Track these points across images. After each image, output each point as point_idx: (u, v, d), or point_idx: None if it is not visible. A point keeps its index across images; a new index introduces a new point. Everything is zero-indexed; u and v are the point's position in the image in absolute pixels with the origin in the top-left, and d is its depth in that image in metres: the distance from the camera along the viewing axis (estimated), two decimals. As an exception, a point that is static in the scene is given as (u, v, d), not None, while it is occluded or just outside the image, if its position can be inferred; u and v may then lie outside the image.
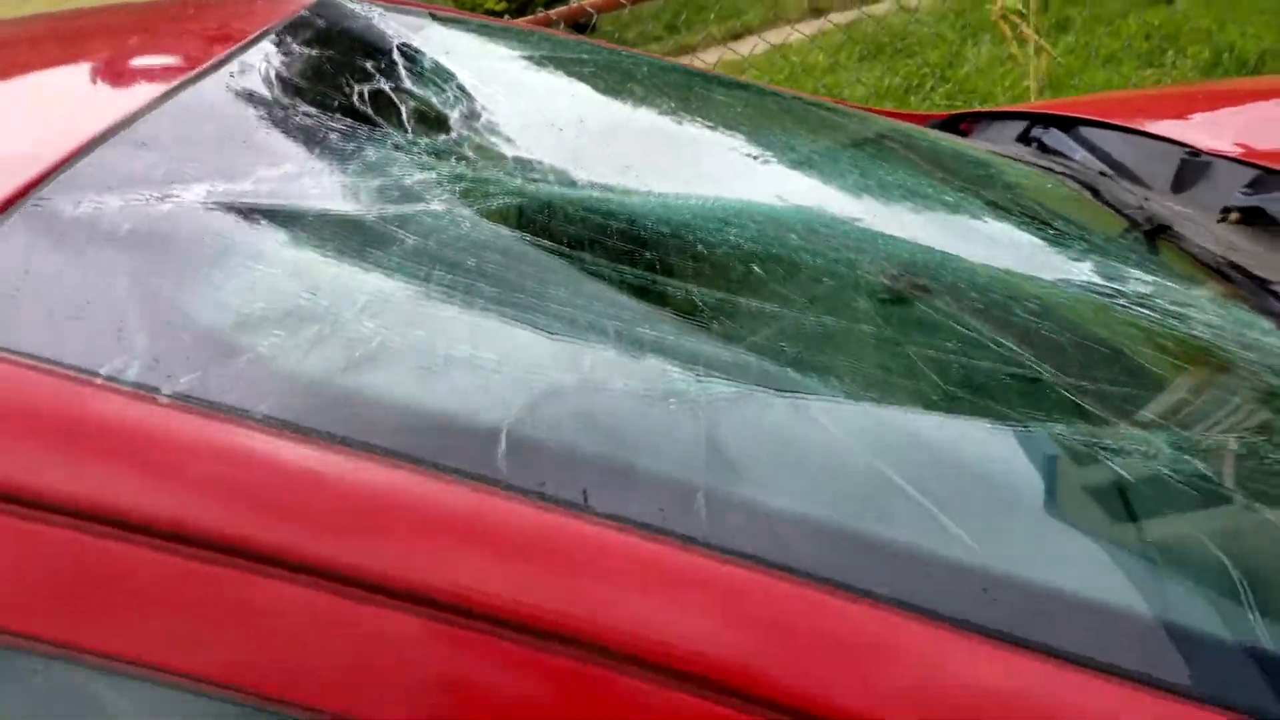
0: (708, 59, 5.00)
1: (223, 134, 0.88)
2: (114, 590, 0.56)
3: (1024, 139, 1.82)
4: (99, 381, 0.60)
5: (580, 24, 5.54)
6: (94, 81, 1.02)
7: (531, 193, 0.97)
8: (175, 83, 0.92)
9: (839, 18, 5.36)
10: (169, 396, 0.60)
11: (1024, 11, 3.19)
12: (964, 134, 1.95)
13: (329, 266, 0.75)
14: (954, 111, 2.00)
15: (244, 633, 0.56)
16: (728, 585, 0.58)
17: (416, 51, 1.28)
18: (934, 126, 1.97)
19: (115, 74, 1.02)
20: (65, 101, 0.94)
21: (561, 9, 3.75)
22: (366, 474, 0.59)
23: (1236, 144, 1.55)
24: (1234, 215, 1.44)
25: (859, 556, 0.61)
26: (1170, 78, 4.07)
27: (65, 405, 0.59)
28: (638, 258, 0.89)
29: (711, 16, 6.07)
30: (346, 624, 0.56)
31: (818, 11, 5.72)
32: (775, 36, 4.96)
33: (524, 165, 1.03)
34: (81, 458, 0.58)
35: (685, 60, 4.54)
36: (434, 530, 0.58)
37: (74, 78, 1.05)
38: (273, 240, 0.76)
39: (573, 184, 1.03)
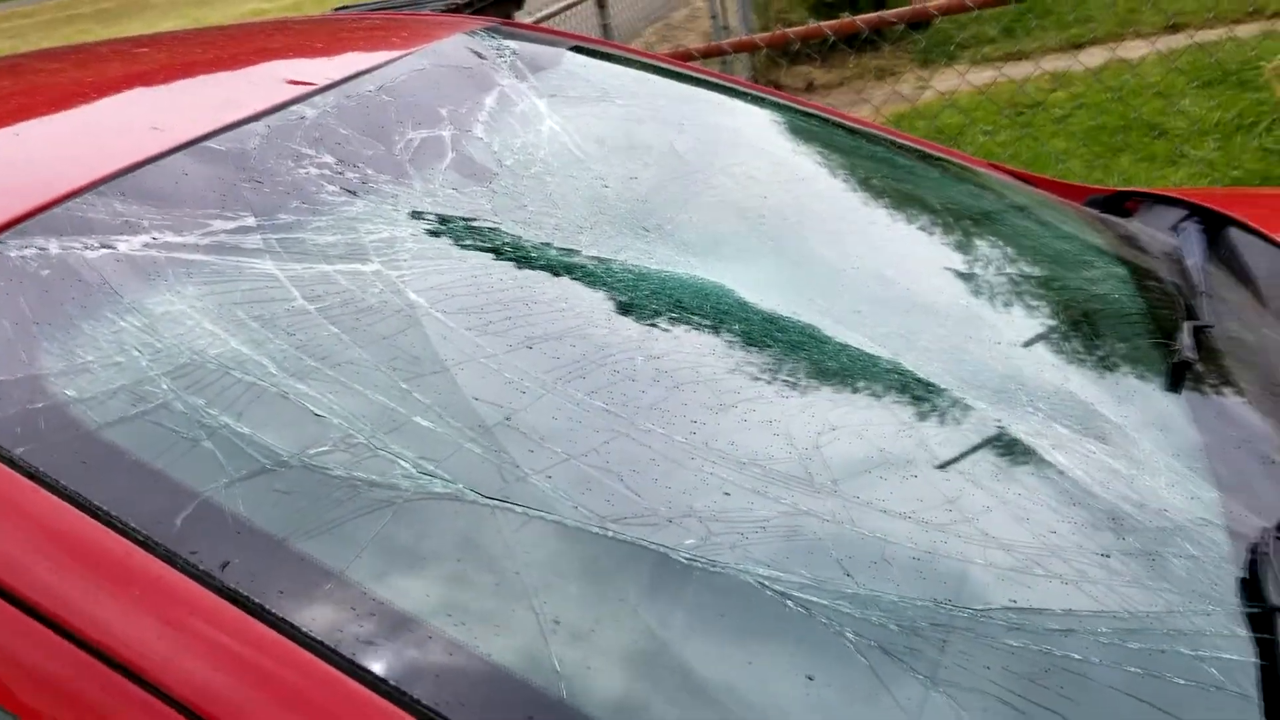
0: (1016, 72, 4.75)
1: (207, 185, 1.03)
2: None
3: (1176, 228, 1.69)
4: None
5: (914, 24, 5.37)
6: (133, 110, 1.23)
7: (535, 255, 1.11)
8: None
9: (1192, 38, 4.88)
10: None
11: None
12: (1129, 212, 1.83)
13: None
14: (1121, 189, 1.87)
15: None
16: None
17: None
18: (1094, 202, 1.86)
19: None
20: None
21: (903, 10, 3.62)
22: None
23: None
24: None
25: None
26: None
27: None
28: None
29: (1035, 24, 5.72)
30: None
31: (1174, 28, 5.24)
32: (1119, 51, 4.63)
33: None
34: None
35: (1004, 69, 4.28)
36: None
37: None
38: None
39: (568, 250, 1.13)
